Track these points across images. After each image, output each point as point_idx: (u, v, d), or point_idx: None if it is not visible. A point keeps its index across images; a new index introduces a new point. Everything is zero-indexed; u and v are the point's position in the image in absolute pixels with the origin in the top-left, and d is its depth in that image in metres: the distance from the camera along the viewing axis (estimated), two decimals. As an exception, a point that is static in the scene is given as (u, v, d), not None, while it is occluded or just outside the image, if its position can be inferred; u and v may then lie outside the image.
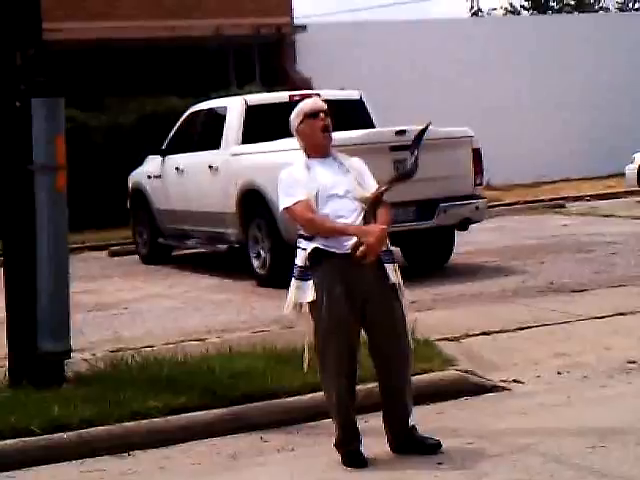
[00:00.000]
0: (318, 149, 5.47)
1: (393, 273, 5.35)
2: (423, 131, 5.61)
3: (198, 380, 6.61)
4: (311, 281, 5.28)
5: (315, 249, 5.27)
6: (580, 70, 26.09)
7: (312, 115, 5.46)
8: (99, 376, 6.94)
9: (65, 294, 6.81)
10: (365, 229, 5.23)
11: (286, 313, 5.48)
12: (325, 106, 5.53)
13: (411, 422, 5.44)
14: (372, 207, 5.33)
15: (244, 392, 6.36)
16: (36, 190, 6.70)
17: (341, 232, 5.25)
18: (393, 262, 5.39)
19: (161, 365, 7.05)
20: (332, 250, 5.26)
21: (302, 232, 5.38)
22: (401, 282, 5.40)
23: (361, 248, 5.16)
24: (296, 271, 5.36)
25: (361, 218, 5.30)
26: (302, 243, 5.35)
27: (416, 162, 5.54)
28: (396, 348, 5.37)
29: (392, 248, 5.52)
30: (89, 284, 12.52)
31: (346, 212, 5.31)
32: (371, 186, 5.45)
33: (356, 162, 5.57)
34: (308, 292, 5.29)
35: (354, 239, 5.21)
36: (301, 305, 5.35)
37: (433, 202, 11.28)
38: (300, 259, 5.34)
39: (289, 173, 5.45)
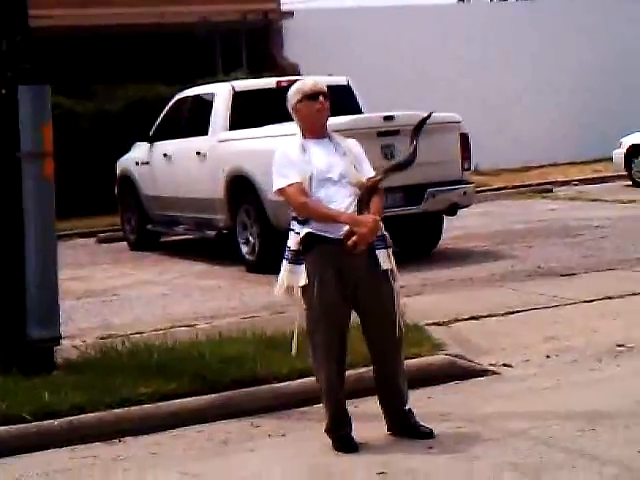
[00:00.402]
0: (315, 130, 5.43)
1: (386, 259, 5.34)
2: (423, 121, 5.56)
3: (188, 366, 6.62)
4: (303, 265, 5.27)
5: (308, 234, 5.26)
6: (569, 55, 26.07)
7: (312, 96, 5.41)
8: (89, 363, 6.93)
9: (53, 281, 6.81)
10: (358, 219, 5.21)
11: (276, 295, 5.46)
12: (325, 88, 5.48)
13: (407, 406, 5.47)
14: (367, 195, 5.31)
15: (234, 378, 6.37)
16: (23, 177, 6.69)
17: (334, 219, 5.22)
18: (386, 247, 5.36)
19: (151, 351, 7.05)
20: (325, 235, 5.25)
21: (295, 215, 5.36)
22: (394, 267, 5.38)
23: (353, 238, 5.15)
24: (289, 254, 5.34)
25: (355, 204, 5.29)
26: (295, 226, 5.33)
27: (415, 152, 5.53)
28: (387, 333, 5.38)
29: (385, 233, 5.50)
30: (78, 271, 12.50)
31: (340, 198, 5.28)
32: (367, 171, 5.42)
33: (353, 144, 5.53)
34: (300, 276, 5.28)
35: (346, 227, 5.20)
36: (292, 289, 5.34)
37: (421, 187, 11.27)
38: (293, 242, 5.33)
39: (284, 153, 5.41)
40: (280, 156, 5.42)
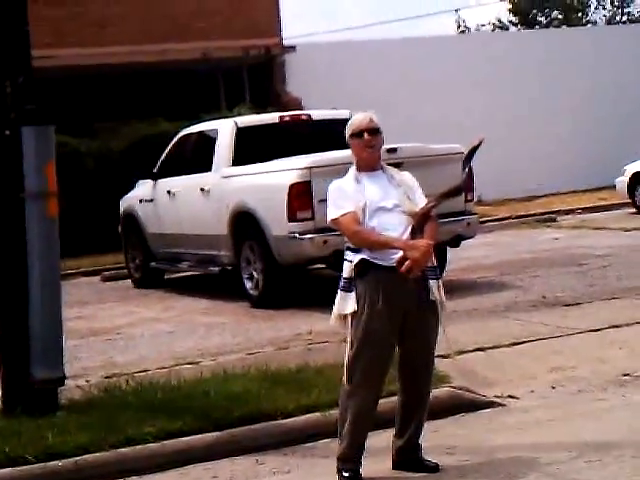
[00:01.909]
0: (367, 165, 5.49)
1: (436, 290, 5.36)
2: (475, 148, 5.55)
3: (193, 404, 6.60)
4: (354, 292, 5.27)
5: (362, 260, 5.27)
6: (569, 84, 26.18)
7: (357, 134, 5.49)
8: (93, 402, 6.92)
9: (58, 321, 6.81)
10: (411, 243, 5.22)
11: (331, 324, 5.46)
12: (371, 124, 5.51)
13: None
14: (420, 222, 5.32)
15: (239, 415, 6.35)
16: (27, 218, 6.70)
17: (387, 245, 5.25)
18: (437, 278, 5.40)
19: (155, 390, 7.04)
20: (378, 262, 5.26)
21: (349, 244, 5.38)
22: (444, 299, 5.41)
23: (406, 262, 5.15)
24: (342, 283, 5.35)
25: (408, 232, 5.30)
26: (349, 255, 5.35)
27: (465, 179, 5.56)
28: (424, 365, 5.43)
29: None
30: (82, 310, 12.50)
31: (393, 226, 5.31)
32: (420, 201, 5.45)
33: (407, 177, 5.59)
34: (349, 303, 5.28)
35: (400, 252, 5.21)
36: (345, 317, 5.34)
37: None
38: (346, 271, 5.33)
39: (338, 186, 5.47)
40: (335, 189, 5.47)
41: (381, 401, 5.84)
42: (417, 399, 5.47)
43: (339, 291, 5.36)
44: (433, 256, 5.37)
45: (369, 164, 5.50)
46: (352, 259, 5.31)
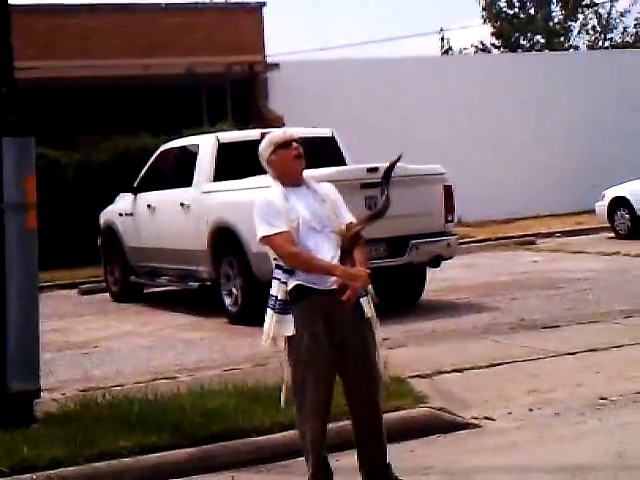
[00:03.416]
0: (292, 177, 5.37)
1: (367, 307, 5.29)
2: (391, 167, 5.54)
3: (169, 419, 6.56)
4: (290, 315, 5.16)
5: (297, 286, 5.15)
6: (550, 108, 26.32)
7: (284, 145, 5.39)
8: (69, 416, 6.87)
9: (35, 333, 6.76)
10: (353, 273, 5.14)
11: (263, 345, 5.33)
12: (295, 135, 5.48)
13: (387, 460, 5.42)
14: (350, 244, 5.26)
15: (215, 431, 6.32)
16: (6, 229, 6.67)
17: (327, 272, 5.14)
18: (367, 294, 5.30)
19: (132, 404, 6.99)
20: (314, 286, 5.17)
21: (279, 262, 5.23)
22: (374, 314, 5.33)
23: (347, 292, 5.08)
24: (275, 303, 5.19)
25: (338, 254, 5.24)
26: (280, 275, 5.19)
27: (387, 199, 5.49)
28: (372, 384, 5.33)
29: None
30: (59, 323, 12.44)
31: (326, 248, 5.21)
32: (345, 216, 5.37)
33: (329, 189, 5.45)
34: (288, 326, 5.16)
35: (333, 278, 5.12)
36: (278, 339, 5.25)
37: (405, 239, 11.31)
38: (280, 292, 5.18)
39: (266, 201, 5.28)
40: (263, 203, 5.30)
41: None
42: (373, 420, 5.35)
43: (271, 312, 5.20)
44: None
45: (295, 177, 5.37)
46: (285, 280, 5.17)
